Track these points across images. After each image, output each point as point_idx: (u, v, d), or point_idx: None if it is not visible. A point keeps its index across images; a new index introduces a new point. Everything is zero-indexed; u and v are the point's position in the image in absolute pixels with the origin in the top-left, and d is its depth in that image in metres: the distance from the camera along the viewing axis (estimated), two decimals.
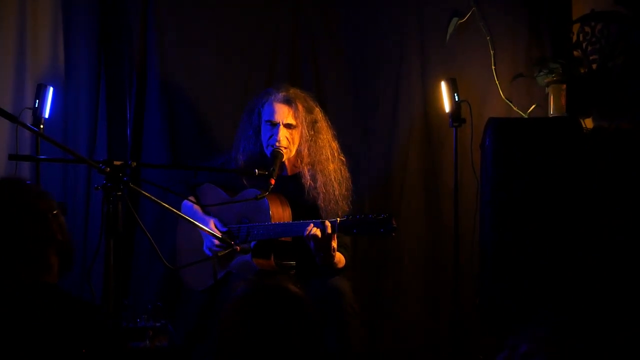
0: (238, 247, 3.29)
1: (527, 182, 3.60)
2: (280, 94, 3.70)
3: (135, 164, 2.86)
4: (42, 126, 3.96)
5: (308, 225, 3.42)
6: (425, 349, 4.30)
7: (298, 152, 3.71)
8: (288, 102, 3.68)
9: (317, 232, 3.38)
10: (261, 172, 3.39)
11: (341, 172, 3.71)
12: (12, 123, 2.79)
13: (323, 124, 3.74)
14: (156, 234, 3.98)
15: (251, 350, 1.81)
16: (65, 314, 2.06)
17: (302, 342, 1.84)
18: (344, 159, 3.76)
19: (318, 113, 3.74)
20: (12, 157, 3.19)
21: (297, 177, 3.72)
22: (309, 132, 3.68)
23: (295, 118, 3.67)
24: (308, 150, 3.68)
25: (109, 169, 2.67)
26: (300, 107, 3.68)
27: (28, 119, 3.96)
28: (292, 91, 3.73)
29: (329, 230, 3.37)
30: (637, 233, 3.52)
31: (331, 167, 3.68)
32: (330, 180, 3.65)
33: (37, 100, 3.98)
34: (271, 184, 3.45)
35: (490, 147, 3.68)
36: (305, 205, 3.63)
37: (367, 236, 3.38)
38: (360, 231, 3.37)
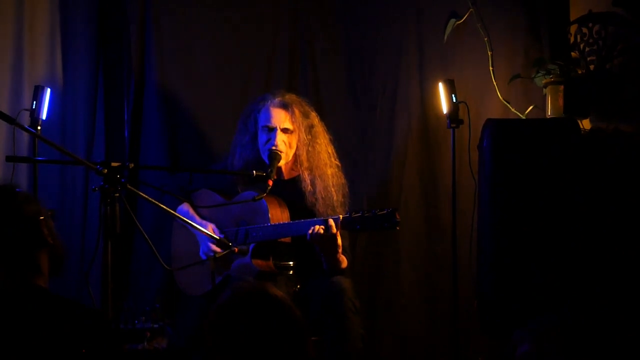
0: (236, 249, 3.28)
1: (525, 182, 3.60)
2: (277, 99, 3.70)
3: (132, 165, 2.87)
4: (39, 128, 3.96)
5: (308, 224, 3.41)
6: (424, 349, 4.30)
7: (296, 157, 3.70)
8: (285, 106, 3.67)
9: (320, 230, 3.37)
10: (259, 172, 3.39)
11: (338, 178, 3.71)
12: (10, 124, 2.79)
13: (319, 129, 3.74)
14: (155, 235, 3.97)
15: (234, 355, 1.81)
16: (58, 316, 2.06)
17: (284, 346, 1.82)
18: (339, 163, 3.76)
19: (314, 118, 3.74)
20: (9, 158, 3.17)
21: (294, 181, 3.71)
22: (306, 137, 3.67)
23: (293, 122, 3.66)
24: (306, 154, 3.67)
25: (106, 170, 2.68)
26: (297, 111, 3.67)
27: (25, 121, 3.95)
28: (288, 96, 3.73)
29: (333, 229, 3.36)
30: (636, 234, 3.52)
31: (329, 171, 3.68)
32: (329, 185, 3.64)
33: (35, 102, 3.97)
34: (269, 185, 3.45)
35: (488, 148, 3.67)
36: (304, 209, 3.62)
37: (370, 231, 3.35)
38: (364, 227, 3.35)
